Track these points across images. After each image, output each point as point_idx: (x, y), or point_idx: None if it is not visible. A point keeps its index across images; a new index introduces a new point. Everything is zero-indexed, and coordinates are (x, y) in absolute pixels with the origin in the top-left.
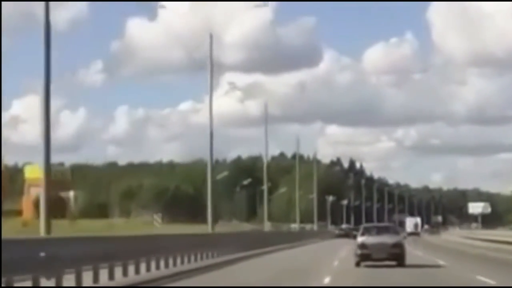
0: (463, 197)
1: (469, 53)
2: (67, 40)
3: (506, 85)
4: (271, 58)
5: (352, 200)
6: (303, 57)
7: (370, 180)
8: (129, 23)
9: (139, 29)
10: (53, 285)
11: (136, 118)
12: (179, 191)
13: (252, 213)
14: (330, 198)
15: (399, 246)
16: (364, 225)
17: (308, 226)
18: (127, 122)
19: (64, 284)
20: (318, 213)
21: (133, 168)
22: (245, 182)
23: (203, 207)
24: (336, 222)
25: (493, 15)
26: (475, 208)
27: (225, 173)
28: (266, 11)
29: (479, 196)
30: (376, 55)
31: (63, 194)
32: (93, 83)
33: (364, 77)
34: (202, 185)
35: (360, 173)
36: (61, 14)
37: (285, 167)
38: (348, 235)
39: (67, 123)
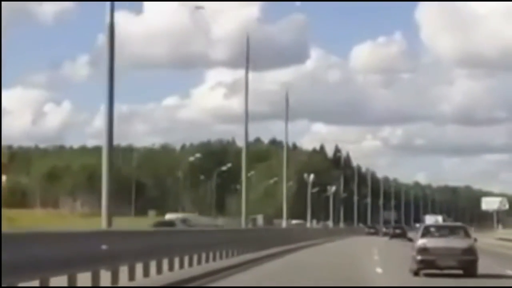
0: (453, 194)
1: (457, 54)
2: (53, 33)
3: (494, 86)
4: (258, 55)
5: (341, 191)
6: (291, 55)
7: (358, 172)
8: (115, 17)
9: (125, 23)
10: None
11: (120, 113)
12: (123, 177)
13: (220, 206)
14: (311, 178)
15: (471, 251)
16: (426, 224)
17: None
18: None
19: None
20: (298, 207)
21: (81, 151)
22: (224, 168)
23: (156, 197)
24: (319, 216)
25: (482, 16)
26: (490, 203)
27: (198, 155)
28: (254, 8)
29: (473, 194)
30: (364, 54)
31: None
32: (78, 76)
33: (351, 75)
34: (166, 171)
35: (347, 163)
36: (47, 8)
37: (261, 154)
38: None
39: (51, 116)
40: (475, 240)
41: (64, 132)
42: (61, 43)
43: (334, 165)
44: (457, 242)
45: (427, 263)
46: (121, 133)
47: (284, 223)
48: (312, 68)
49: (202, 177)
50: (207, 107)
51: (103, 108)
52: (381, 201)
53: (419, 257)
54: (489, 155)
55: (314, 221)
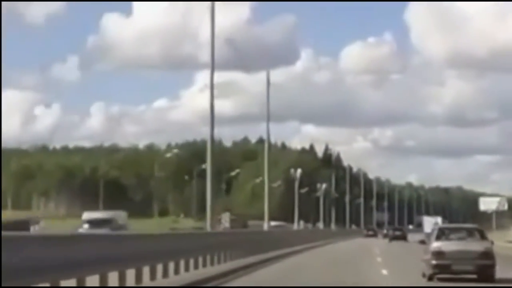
0: (446, 195)
1: (447, 55)
2: (43, 34)
3: (484, 87)
4: (248, 56)
5: (333, 190)
6: (281, 56)
7: (350, 172)
8: (105, 19)
9: (115, 25)
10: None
11: (111, 115)
12: (100, 177)
13: (204, 207)
14: (298, 173)
15: (489, 255)
16: (441, 225)
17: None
18: (102, 118)
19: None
20: (287, 208)
21: (62, 152)
22: (203, 166)
23: (141, 199)
24: (308, 218)
25: (472, 17)
26: (488, 204)
27: (176, 151)
28: (244, 9)
29: (465, 194)
30: (353, 55)
31: None
32: (68, 78)
33: (341, 76)
34: (147, 171)
35: (337, 163)
36: (37, 9)
37: (249, 153)
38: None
39: (42, 118)
40: (492, 243)
41: (54, 135)
42: (51, 45)
43: (324, 165)
44: (473, 245)
45: (443, 268)
46: (110, 133)
47: (265, 225)
48: (302, 69)
49: (186, 177)
50: (197, 108)
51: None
52: (374, 202)
53: (434, 261)
54: (480, 156)
55: (302, 223)
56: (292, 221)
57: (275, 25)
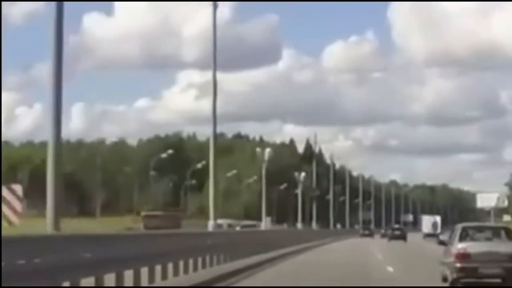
0: (432, 193)
1: (429, 53)
2: (23, 34)
3: (466, 86)
4: (229, 55)
5: (313, 186)
6: (263, 55)
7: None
8: (86, 18)
9: (96, 25)
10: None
11: (92, 115)
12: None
13: (176, 205)
14: (267, 153)
15: None
16: (464, 224)
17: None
18: (83, 118)
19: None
20: (259, 209)
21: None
22: (164, 155)
23: (110, 197)
24: (285, 218)
25: (454, 15)
26: (486, 200)
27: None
28: (225, 9)
29: (450, 192)
30: (335, 54)
31: None
32: (49, 78)
33: (323, 76)
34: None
35: (319, 159)
36: (18, 9)
37: (225, 148)
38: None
39: (23, 118)
40: None
41: (36, 135)
42: (32, 45)
43: (305, 161)
44: (501, 247)
45: (469, 271)
46: (91, 134)
47: (211, 225)
48: (284, 68)
49: (153, 173)
50: (178, 108)
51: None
52: (360, 200)
53: (458, 264)
54: (462, 154)
55: (269, 220)
56: (271, 220)
57: (257, 24)
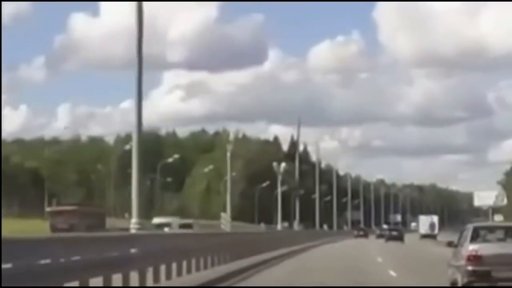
0: (420, 193)
1: (416, 53)
2: (8, 34)
3: (453, 86)
4: (215, 56)
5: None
6: (249, 56)
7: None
8: (72, 18)
9: (81, 25)
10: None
11: (78, 115)
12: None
13: (151, 204)
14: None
15: None
16: (476, 224)
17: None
18: (69, 119)
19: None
20: (246, 206)
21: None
22: (127, 147)
23: (82, 195)
24: (263, 218)
25: (440, 15)
26: (484, 199)
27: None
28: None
29: (439, 192)
30: (322, 54)
31: None
32: (35, 79)
33: (309, 76)
34: (91, 166)
35: (303, 157)
36: (3, 9)
37: (205, 145)
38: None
39: (9, 120)
40: None
41: (22, 136)
42: (17, 45)
43: (289, 159)
44: None
45: (481, 275)
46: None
47: (133, 224)
48: (270, 68)
49: (129, 171)
50: (164, 109)
51: None
52: (348, 199)
53: (470, 268)
54: (449, 155)
55: (226, 216)
56: (253, 221)
57: (243, 24)
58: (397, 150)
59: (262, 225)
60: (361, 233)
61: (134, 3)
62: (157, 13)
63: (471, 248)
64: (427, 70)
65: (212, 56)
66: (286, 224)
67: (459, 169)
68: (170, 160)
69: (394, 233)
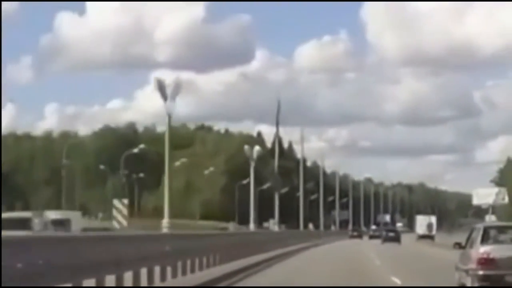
0: (410, 192)
1: (403, 53)
2: None
3: (440, 86)
4: (202, 55)
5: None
6: (236, 55)
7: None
8: (58, 18)
9: (68, 24)
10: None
11: (66, 116)
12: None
13: (130, 204)
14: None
15: None
16: (485, 223)
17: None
18: (57, 119)
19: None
20: (228, 205)
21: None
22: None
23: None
24: (244, 216)
25: (428, 15)
26: (484, 197)
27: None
28: (198, 9)
29: (428, 191)
30: (308, 54)
31: None
32: (22, 79)
33: (296, 75)
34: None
35: (288, 154)
36: None
37: (185, 140)
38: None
39: None
40: None
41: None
42: (3, 45)
43: (273, 156)
44: None
45: (494, 279)
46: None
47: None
48: (257, 68)
49: (102, 167)
50: (151, 109)
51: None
52: (336, 198)
53: (481, 272)
54: (436, 155)
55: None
56: (234, 220)
57: (230, 24)
58: (384, 150)
59: (231, 224)
60: (355, 233)
61: (121, 3)
62: (145, 13)
63: (482, 250)
64: (415, 69)
65: (199, 56)
66: (269, 224)
67: (446, 169)
68: (135, 150)
69: (391, 234)
